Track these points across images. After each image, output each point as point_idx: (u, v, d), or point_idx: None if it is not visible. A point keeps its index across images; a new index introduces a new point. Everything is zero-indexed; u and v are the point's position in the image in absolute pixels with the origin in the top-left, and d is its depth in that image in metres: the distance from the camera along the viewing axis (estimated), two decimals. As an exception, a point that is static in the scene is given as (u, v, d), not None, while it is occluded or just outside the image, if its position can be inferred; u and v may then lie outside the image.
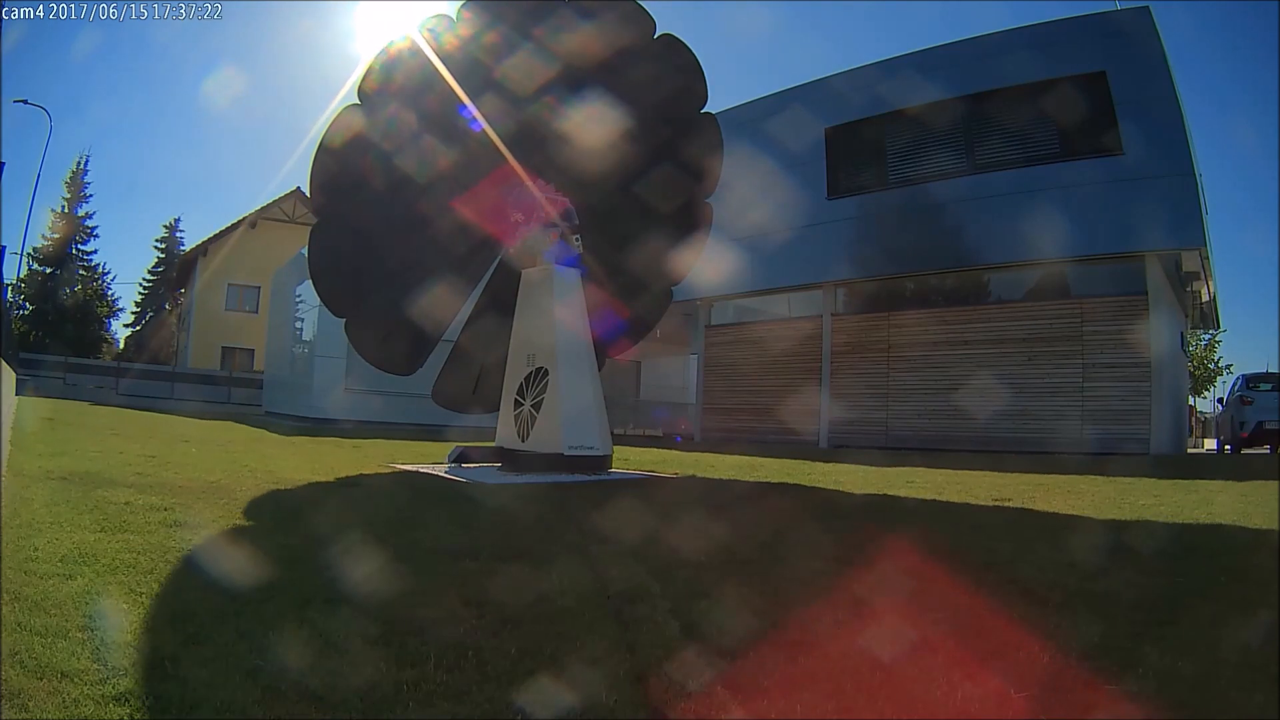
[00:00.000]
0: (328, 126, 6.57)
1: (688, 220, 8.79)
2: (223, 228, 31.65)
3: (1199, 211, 10.73)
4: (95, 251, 33.85)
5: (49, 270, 31.65)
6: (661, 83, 7.85)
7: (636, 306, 9.24)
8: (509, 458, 6.99)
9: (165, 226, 38.03)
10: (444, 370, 8.98)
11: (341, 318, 7.80)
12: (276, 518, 3.75)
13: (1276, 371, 16.42)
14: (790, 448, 12.68)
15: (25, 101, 22.32)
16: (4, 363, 7.85)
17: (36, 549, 2.67)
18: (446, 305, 8.39)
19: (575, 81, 7.42)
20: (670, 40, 7.64)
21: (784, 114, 14.81)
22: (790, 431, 14.12)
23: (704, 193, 8.67)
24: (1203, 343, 29.42)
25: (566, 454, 6.70)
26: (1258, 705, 1.71)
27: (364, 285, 7.73)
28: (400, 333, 8.23)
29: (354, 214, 7.47)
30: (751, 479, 7.05)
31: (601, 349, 9.07)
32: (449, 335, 8.92)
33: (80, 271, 33.11)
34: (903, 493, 5.79)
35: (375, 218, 7.63)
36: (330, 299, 7.69)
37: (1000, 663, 1.91)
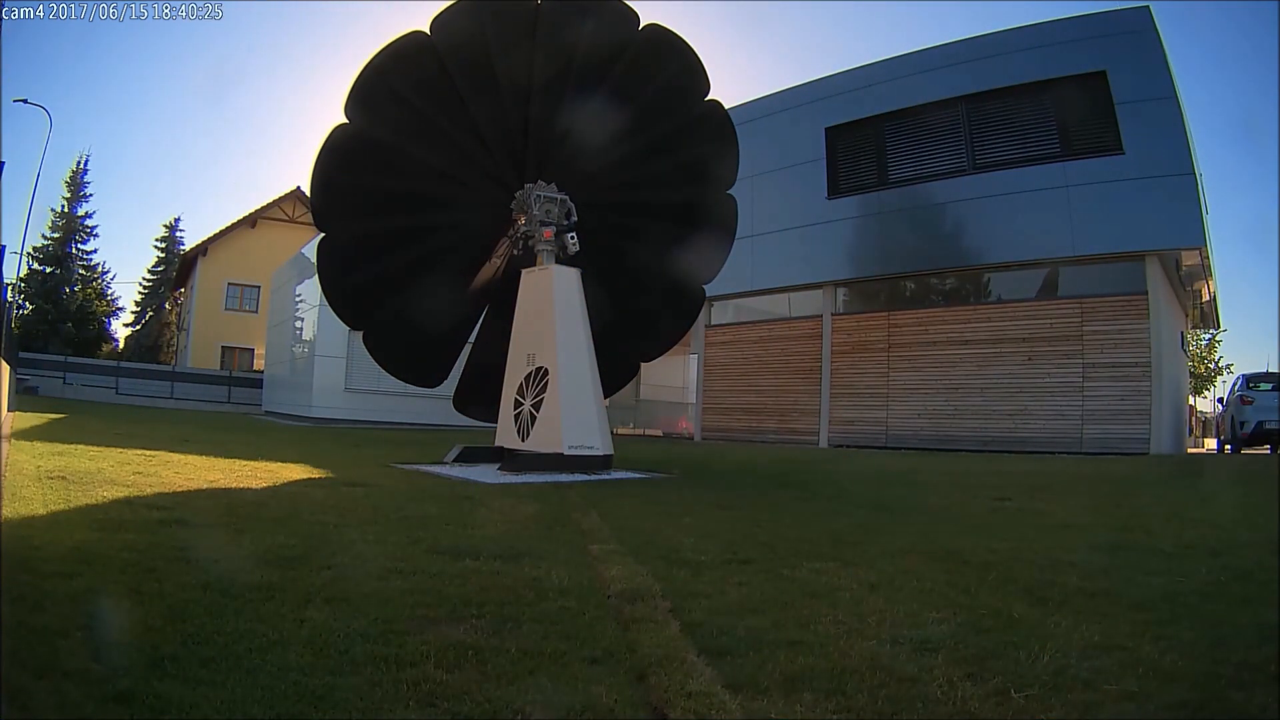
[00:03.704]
0: (327, 133, 6.61)
1: (713, 216, 8.57)
2: (223, 227, 31.71)
3: (1199, 211, 10.73)
4: (95, 251, 33.80)
5: (49, 270, 31.60)
6: (654, 75, 7.71)
7: (664, 310, 9.04)
8: (509, 457, 6.98)
9: (165, 226, 37.92)
10: (463, 378, 8.90)
11: (358, 330, 7.82)
12: (276, 517, 3.74)
13: (1276, 371, 16.39)
14: (790, 448, 12.68)
15: (25, 101, 22.22)
16: (4, 362, 7.85)
17: (36, 549, 2.67)
18: (461, 313, 8.34)
19: (566, 80, 7.39)
20: (657, 31, 7.54)
21: (784, 113, 14.82)
22: (790, 431, 14.13)
23: (723, 184, 8.44)
24: (1203, 343, 29.38)
25: (566, 453, 6.69)
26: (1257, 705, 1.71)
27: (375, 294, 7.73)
28: (420, 343, 8.19)
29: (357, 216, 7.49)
30: (754, 478, 7.05)
31: (633, 356, 8.98)
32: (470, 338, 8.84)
33: (80, 271, 33.05)
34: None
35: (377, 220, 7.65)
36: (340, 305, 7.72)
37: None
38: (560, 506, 4.65)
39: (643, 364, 10.25)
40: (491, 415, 7.89)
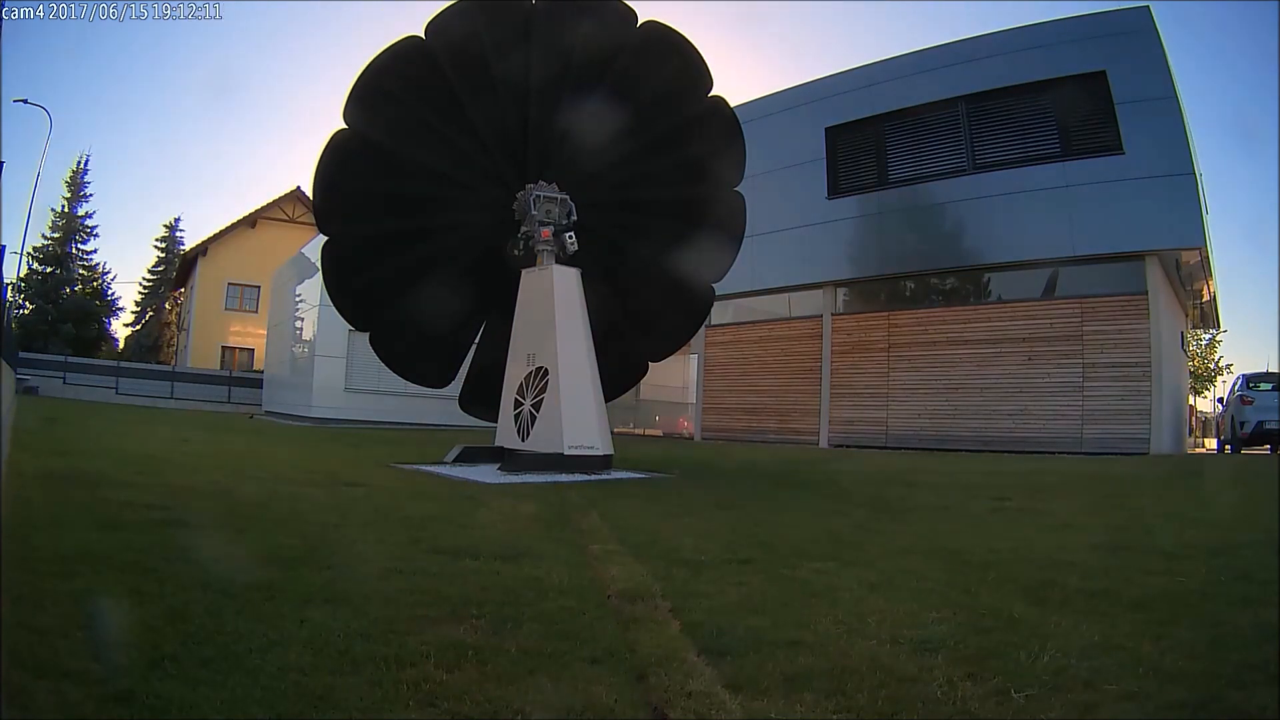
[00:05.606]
0: (329, 137, 6.65)
1: (720, 214, 8.52)
2: (223, 227, 31.71)
3: (1199, 211, 10.73)
4: (95, 251, 33.77)
5: (49, 270, 31.58)
6: (654, 72, 7.69)
7: (675, 309, 8.99)
8: (509, 457, 6.98)
9: (165, 226, 37.84)
10: (469, 378, 8.89)
11: (364, 331, 7.83)
12: (276, 517, 3.74)
13: (1276, 371, 16.38)
14: (790, 448, 12.68)
15: (25, 101, 22.22)
16: (4, 363, 7.85)
17: (36, 548, 2.67)
18: (466, 313, 8.33)
19: (565, 79, 7.39)
20: (657, 28, 7.51)
21: (784, 113, 14.82)
22: (790, 431, 14.13)
23: (729, 181, 8.38)
24: (1203, 343, 29.37)
25: (567, 453, 6.68)
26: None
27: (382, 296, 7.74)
28: (426, 344, 8.19)
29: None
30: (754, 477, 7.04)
31: (644, 356, 8.92)
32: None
33: (80, 271, 33.03)
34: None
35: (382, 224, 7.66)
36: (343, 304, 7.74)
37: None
38: (560, 506, 4.65)
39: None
40: (496, 415, 7.89)
